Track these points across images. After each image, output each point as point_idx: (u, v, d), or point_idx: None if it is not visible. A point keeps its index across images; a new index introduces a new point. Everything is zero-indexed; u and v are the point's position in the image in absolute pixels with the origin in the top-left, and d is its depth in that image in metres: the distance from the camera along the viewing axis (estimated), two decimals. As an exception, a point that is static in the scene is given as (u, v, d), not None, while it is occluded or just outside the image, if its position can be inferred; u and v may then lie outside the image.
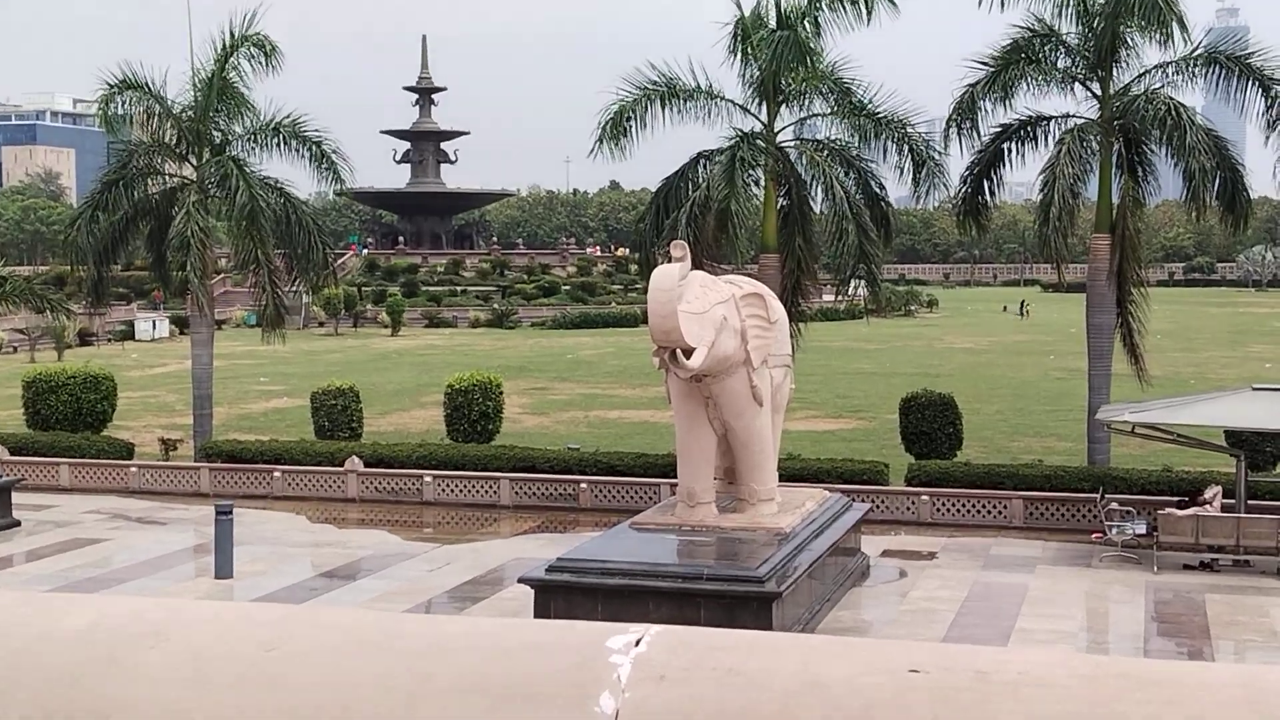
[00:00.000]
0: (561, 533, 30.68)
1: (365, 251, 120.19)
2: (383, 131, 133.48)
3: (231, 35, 36.60)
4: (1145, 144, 32.61)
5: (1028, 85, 33.26)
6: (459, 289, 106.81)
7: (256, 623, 2.32)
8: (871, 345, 74.16)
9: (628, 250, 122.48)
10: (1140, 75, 32.79)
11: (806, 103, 34.29)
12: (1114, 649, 21.71)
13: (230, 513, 26.09)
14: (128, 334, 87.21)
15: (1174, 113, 31.07)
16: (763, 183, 33.74)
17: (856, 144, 34.01)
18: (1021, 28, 33.05)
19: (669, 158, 35.31)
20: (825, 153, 33.77)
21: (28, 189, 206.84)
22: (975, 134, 33.59)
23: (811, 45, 32.72)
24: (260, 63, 37.00)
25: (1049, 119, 33.74)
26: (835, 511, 25.02)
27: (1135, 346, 33.32)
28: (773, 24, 33.44)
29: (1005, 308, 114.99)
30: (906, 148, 33.29)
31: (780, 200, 33.99)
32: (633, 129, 33.46)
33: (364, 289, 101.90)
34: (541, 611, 20.36)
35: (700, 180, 33.20)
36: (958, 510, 31.16)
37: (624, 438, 40.68)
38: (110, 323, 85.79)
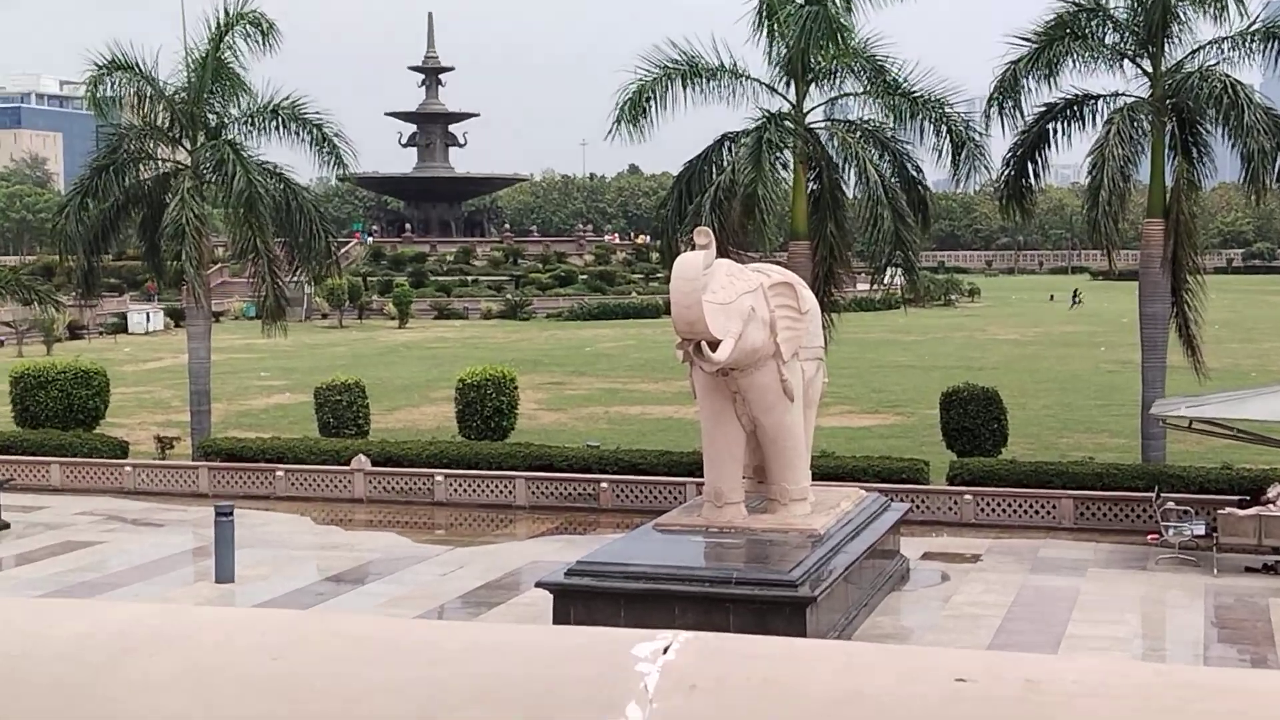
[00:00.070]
0: (581, 534, 30.72)
1: (370, 240, 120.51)
2: (388, 113, 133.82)
3: (226, 13, 36.71)
4: (1200, 124, 32.47)
5: (1074, 62, 33.14)
6: (470, 279, 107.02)
7: (261, 629, 2.32)
8: (909, 337, 74.04)
9: (648, 237, 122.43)
10: (1194, 51, 32.65)
11: (837, 81, 34.24)
12: (1172, 656, 21.64)
13: (231, 514, 26.20)
14: (120, 327, 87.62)
15: (1230, 90, 30.92)
16: (791, 166, 33.70)
17: (891, 125, 33.95)
18: (1067, 1, 32.93)
19: (691, 140, 35.31)
20: (858, 134, 33.72)
21: (13, 175, 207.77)
22: (1018, 114, 33.50)
23: (842, 21, 32.64)
24: (257, 41, 37.08)
25: (1097, 98, 33.60)
26: (873, 512, 25.00)
27: (1191, 337, 33.19)
28: (801, -2, 33.38)
29: (1052, 296, 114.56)
30: (945, 128, 33.20)
31: (810, 184, 33.95)
32: (653, 110, 33.47)
33: (369, 279, 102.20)
34: (560, 617, 20.39)
35: (725, 163, 33.19)
36: (1003, 510, 31.09)
37: (647, 434, 40.71)
38: (102, 315, 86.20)
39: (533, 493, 33.82)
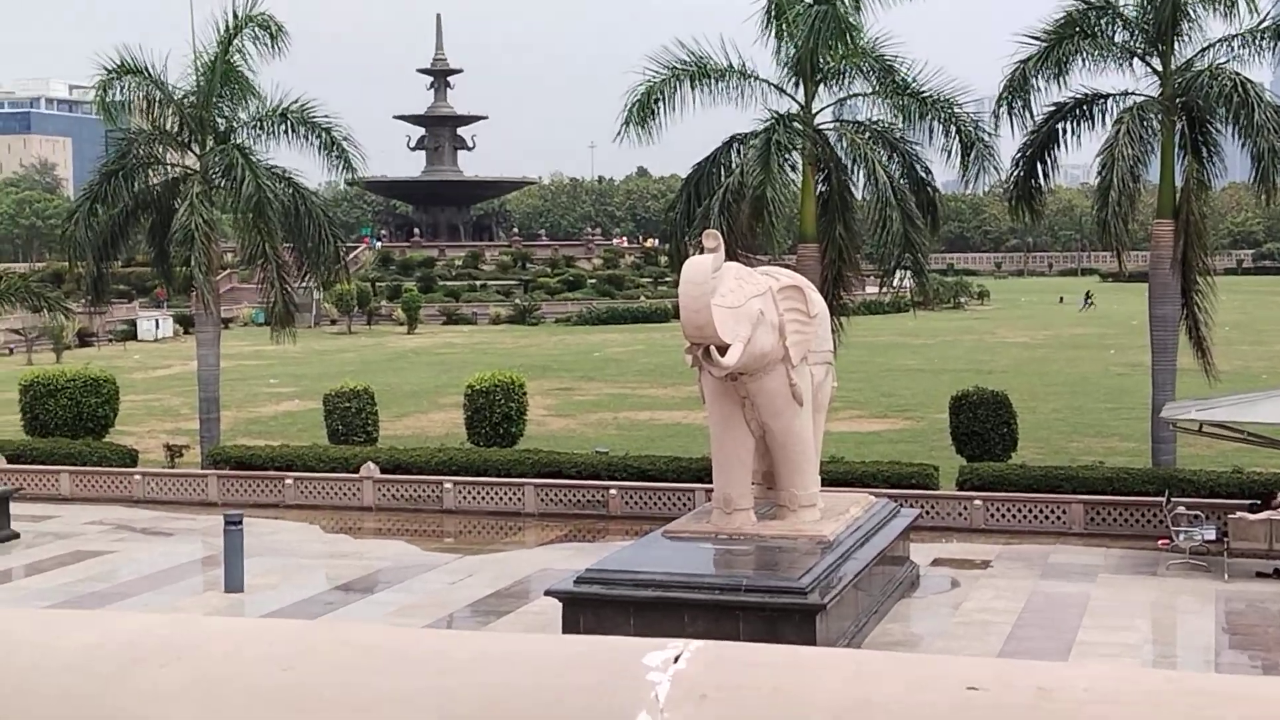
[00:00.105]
0: (590, 542, 30.70)
1: (379, 244, 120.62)
2: (396, 117, 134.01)
3: (235, 15, 36.72)
4: (1210, 123, 32.43)
5: (1083, 61, 33.12)
6: (478, 283, 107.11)
7: (271, 639, 2.32)
8: (918, 340, 73.98)
9: (657, 241, 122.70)
10: (1204, 49, 32.61)
11: (846, 82, 34.22)
12: (1183, 663, 21.60)
13: (240, 523, 26.21)
14: (129, 334, 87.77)
15: (1241, 89, 30.88)
16: (800, 167, 33.68)
17: (900, 125, 33.92)
18: (1076, 0, 32.90)
19: (700, 142, 35.31)
20: (867, 135, 33.68)
21: (22, 181, 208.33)
22: (1027, 114, 33.46)
23: (851, 20, 32.62)
24: (265, 45, 37.11)
25: (1106, 97, 33.57)
26: (882, 518, 24.96)
27: (1202, 339, 33.13)
28: (809, -2, 33.36)
29: (1062, 298, 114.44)
30: (954, 129, 33.17)
31: (819, 186, 33.93)
32: (661, 111, 33.48)
33: (378, 284, 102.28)
34: (570, 625, 20.38)
35: (733, 165, 33.18)
36: (1013, 516, 31.04)
37: (656, 440, 40.69)
38: (111, 322, 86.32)
39: (541, 500, 33.82)
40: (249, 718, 2.12)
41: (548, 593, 21.56)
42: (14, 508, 31.83)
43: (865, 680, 2.05)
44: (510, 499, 33.99)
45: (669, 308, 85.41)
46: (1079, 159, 42.00)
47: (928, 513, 30.52)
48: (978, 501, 31.21)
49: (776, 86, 33.96)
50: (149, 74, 37.01)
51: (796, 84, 33.85)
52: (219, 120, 37.95)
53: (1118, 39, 33.27)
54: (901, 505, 27.38)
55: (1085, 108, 33.68)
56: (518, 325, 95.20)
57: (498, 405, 36.50)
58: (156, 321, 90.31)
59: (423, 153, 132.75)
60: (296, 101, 37.75)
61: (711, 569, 21.56)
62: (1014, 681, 2.03)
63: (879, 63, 33.35)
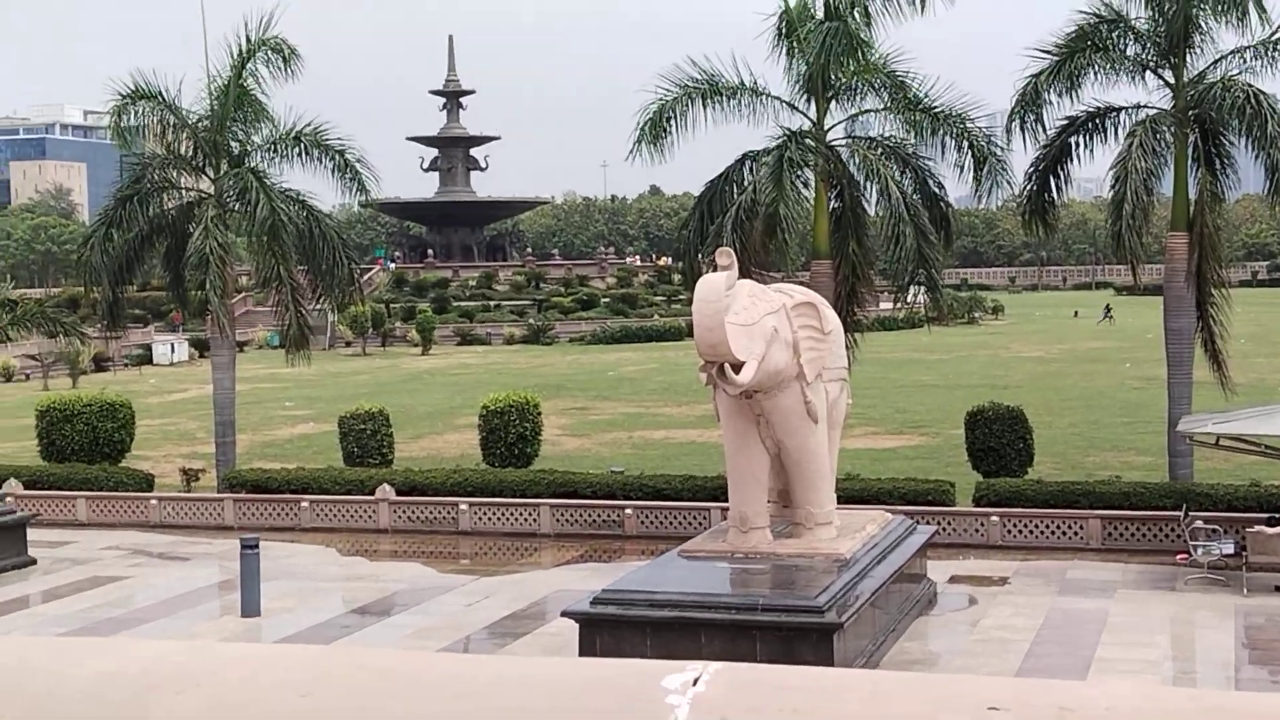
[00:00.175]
0: (606, 562, 30.67)
1: (393, 266, 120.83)
2: (409, 138, 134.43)
3: (248, 40, 36.84)
4: (1223, 135, 32.38)
5: (1095, 74, 33.10)
6: (492, 304, 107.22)
7: (288, 665, 2.32)
8: (933, 355, 73.88)
9: (670, 259, 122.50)
10: (1216, 61, 32.58)
11: (858, 98, 34.24)
12: (1202, 679, 21.48)
13: (256, 546, 26.23)
14: (145, 358, 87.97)
15: (1253, 101, 30.84)
16: (813, 184, 33.69)
17: (913, 141, 33.93)
18: (1087, 13, 32.91)
19: (712, 160, 35.36)
20: (879, 151, 33.68)
21: (38, 206, 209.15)
22: (1040, 128, 33.45)
23: (862, 37, 32.65)
24: (279, 68, 37.23)
25: (1119, 110, 33.55)
26: (899, 535, 24.89)
27: (1217, 352, 33.04)
28: (820, 15, 33.40)
29: (1076, 313, 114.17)
30: (966, 144, 33.16)
31: (832, 202, 33.93)
32: (673, 129, 33.52)
33: (392, 305, 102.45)
34: (587, 646, 20.34)
35: (746, 183, 33.18)
36: (1030, 532, 30.95)
37: (671, 459, 40.66)
38: (127, 346, 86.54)
39: (557, 520, 33.79)
40: (266, 744, 2.11)
41: (564, 614, 21.53)
42: (31, 534, 31.89)
43: (887, 701, 2.04)
44: (526, 520, 33.97)
45: (683, 326, 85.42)
46: (1092, 172, 41.96)
47: (944, 529, 30.44)
48: (995, 518, 31.13)
49: (788, 103, 34.00)
50: (163, 99, 37.14)
51: (808, 101, 33.88)
52: (233, 144, 38.07)
53: (1129, 52, 33.25)
54: (918, 522, 27.31)
55: (1098, 121, 33.65)
56: (532, 345, 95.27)
57: (512, 426, 36.50)
58: (172, 345, 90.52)
59: (436, 174, 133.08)
60: (310, 124, 37.90)
61: (728, 588, 21.51)
62: (1035, 701, 2.01)
63: (891, 79, 33.37)
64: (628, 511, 33.27)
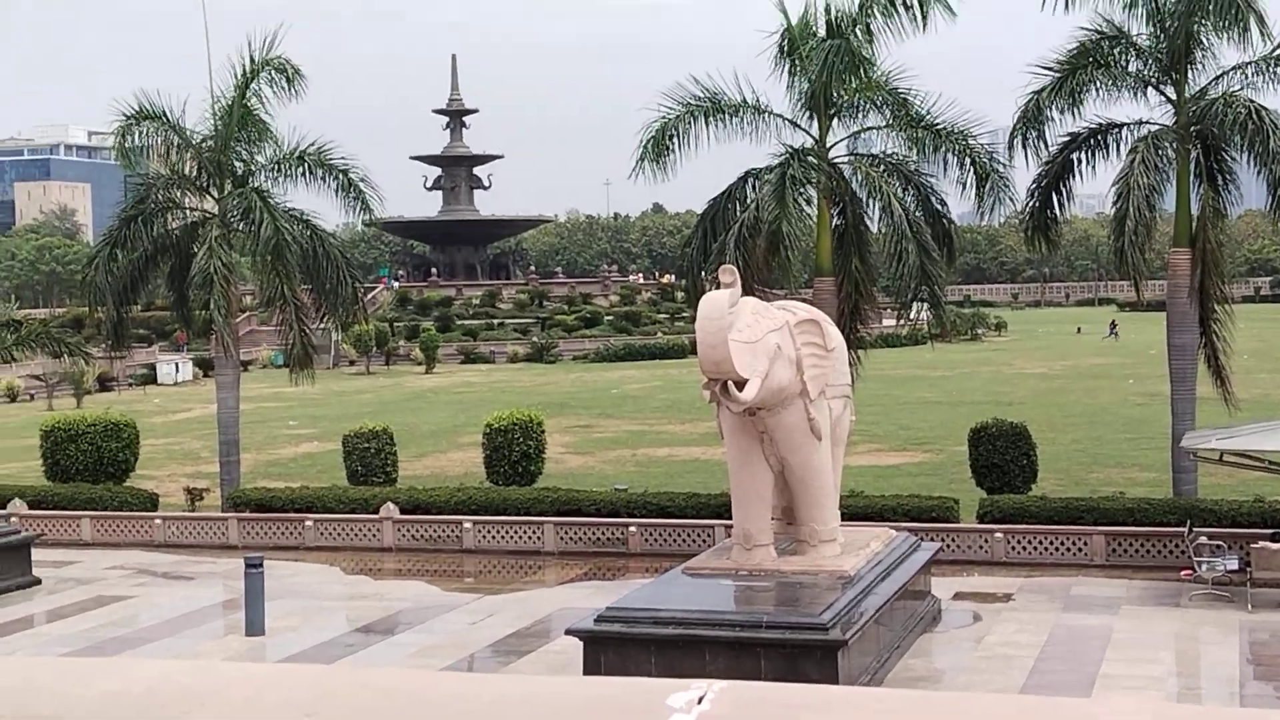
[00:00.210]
0: (610, 580, 30.64)
1: (396, 284, 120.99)
2: (412, 157, 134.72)
3: (251, 60, 36.93)
4: (1225, 150, 32.39)
5: (1097, 91, 33.13)
6: (496, 322, 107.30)
7: (292, 684, 2.32)
8: (936, 372, 73.85)
9: (674, 277, 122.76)
10: (1218, 77, 32.60)
11: (860, 115, 34.30)
12: (1207, 695, 21.44)
13: (261, 565, 26.22)
14: (149, 378, 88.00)
15: (1256, 116, 30.86)
16: (815, 201, 33.71)
17: (915, 158, 33.96)
18: (1089, 30, 32.93)
19: (715, 177, 35.37)
20: (882, 168, 33.72)
21: (42, 227, 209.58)
22: (1042, 144, 33.46)
23: (864, 54, 32.70)
24: (282, 88, 37.30)
25: (1121, 126, 33.58)
26: (903, 552, 24.86)
27: (1221, 368, 33.02)
28: (822, 32, 33.47)
29: (1079, 329, 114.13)
30: (968, 160, 33.19)
31: (835, 220, 33.96)
32: (676, 147, 33.57)
33: (396, 324, 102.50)
34: (591, 664, 20.31)
35: (749, 200, 33.22)
36: (1034, 548, 30.90)
37: (674, 477, 40.63)
38: (131, 366, 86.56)
39: (561, 538, 33.77)
40: (270, 764, 2.11)
41: (568, 632, 21.51)
42: (36, 553, 31.89)
43: (888, 719, 2.04)
44: (530, 538, 33.95)
45: (686, 343, 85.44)
46: (1094, 189, 41.98)
47: (948, 546, 30.40)
48: (998, 534, 31.08)
49: (791, 121, 34.05)
50: (167, 119, 37.22)
51: (810, 118, 33.93)
52: (237, 164, 38.14)
53: (1131, 68, 33.28)
54: (922, 539, 27.27)
55: (1100, 137, 33.67)
56: (535, 363, 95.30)
57: (516, 444, 36.49)
58: (176, 365, 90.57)
59: (439, 193, 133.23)
60: (313, 144, 37.98)
61: (732, 606, 21.48)
62: (1039, 718, 2.01)
63: (893, 96, 33.42)
64: (631, 529, 33.24)
